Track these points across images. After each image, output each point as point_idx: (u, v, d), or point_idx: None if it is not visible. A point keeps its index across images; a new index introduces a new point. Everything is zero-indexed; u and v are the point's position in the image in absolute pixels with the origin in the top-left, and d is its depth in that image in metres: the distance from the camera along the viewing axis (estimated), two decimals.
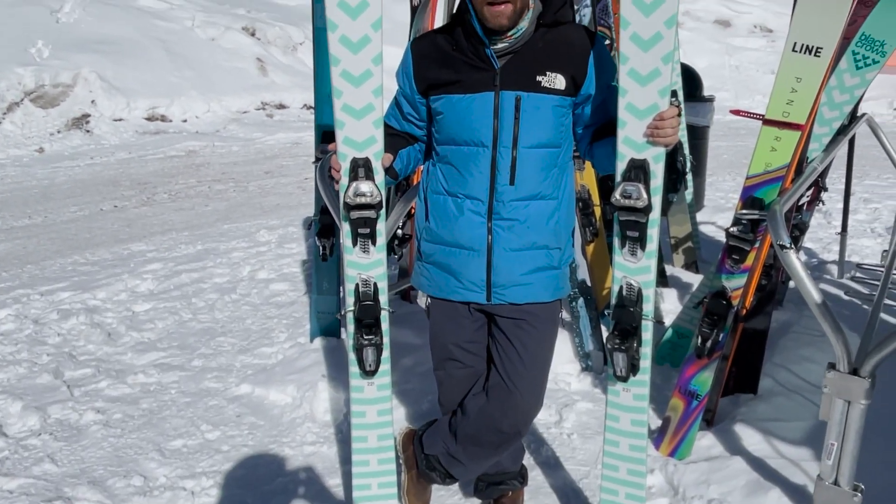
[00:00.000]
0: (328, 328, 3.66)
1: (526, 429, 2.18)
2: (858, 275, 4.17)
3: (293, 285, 4.64)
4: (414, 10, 3.69)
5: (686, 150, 4.41)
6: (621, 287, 2.02)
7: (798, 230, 3.46)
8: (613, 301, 2.04)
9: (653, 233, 1.97)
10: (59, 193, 7.16)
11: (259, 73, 11.99)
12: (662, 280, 4.19)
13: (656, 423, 2.84)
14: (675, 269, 4.43)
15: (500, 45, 1.94)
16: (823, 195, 3.75)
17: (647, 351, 2.04)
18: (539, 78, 1.94)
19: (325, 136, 3.32)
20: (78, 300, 4.38)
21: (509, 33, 1.93)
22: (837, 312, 3.35)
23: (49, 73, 10.20)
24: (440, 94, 2.02)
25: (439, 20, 3.92)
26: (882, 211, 6.12)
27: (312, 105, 12.48)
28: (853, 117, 3.60)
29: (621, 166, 1.94)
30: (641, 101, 1.89)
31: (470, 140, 1.99)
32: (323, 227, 3.46)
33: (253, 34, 12.94)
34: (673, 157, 4.35)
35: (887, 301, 3.55)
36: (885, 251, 4.42)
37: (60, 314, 4.15)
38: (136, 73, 10.78)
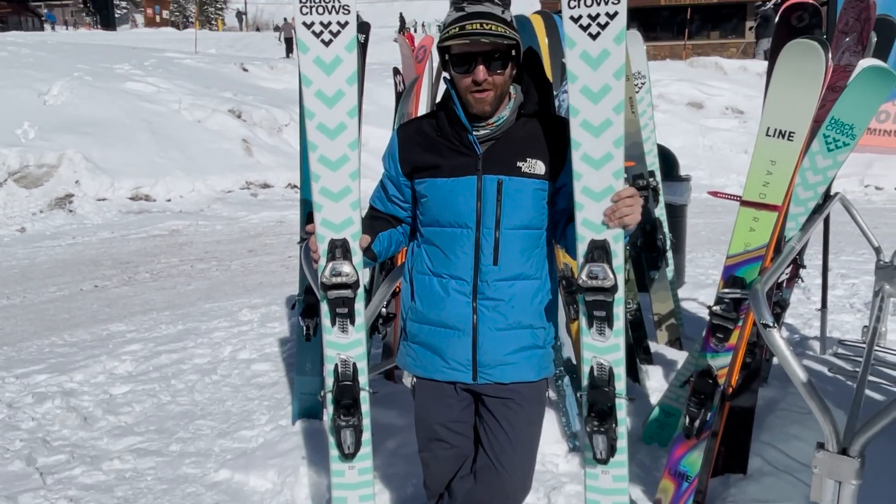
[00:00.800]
0: (311, 410, 3.60)
1: None
2: (841, 351, 4.19)
3: (275, 366, 4.57)
4: (399, 95, 3.79)
5: (665, 228, 4.48)
6: (592, 367, 2.04)
7: (779, 307, 3.49)
8: (585, 382, 2.05)
9: (619, 311, 2.00)
10: (38, 273, 7.10)
11: (244, 153, 12.15)
12: (647, 357, 4.18)
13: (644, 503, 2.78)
14: (658, 346, 4.43)
15: (482, 132, 2.01)
16: (802, 272, 3.81)
17: (622, 430, 2.03)
18: (520, 164, 2.00)
19: (311, 216, 3.35)
20: (54, 383, 4.28)
21: (491, 120, 2.00)
22: (822, 389, 3.34)
23: (34, 153, 10.27)
24: (424, 177, 2.06)
25: (423, 105, 4.03)
26: (860, 286, 6.21)
27: (296, 184, 12.58)
28: (827, 196, 3.70)
29: (582, 248, 1.98)
30: (596, 183, 1.93)
31: (454, 222, 2.03)
32: (307, 307, 3.45)
33: (239, 116, 13.18)
34: (653, 235, 4.42)
35: (871, 378, 3.56)
36: (865, 327, 4.46)
37: (35, 398, 4.04)
38: (121, 154, 10.89)
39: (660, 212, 4.45)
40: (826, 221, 4.28)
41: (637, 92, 4.29)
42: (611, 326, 2.01)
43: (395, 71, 3.88)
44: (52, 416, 3.86)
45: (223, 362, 4.67)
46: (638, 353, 4.17)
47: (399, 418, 3.49)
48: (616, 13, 1.83)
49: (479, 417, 2.15)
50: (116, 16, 55.97)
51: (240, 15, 56.29)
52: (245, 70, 17.77)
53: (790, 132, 2.27)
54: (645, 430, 3.45)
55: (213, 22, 61.35)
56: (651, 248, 4.44)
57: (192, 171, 11.16)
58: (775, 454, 3.13)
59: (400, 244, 2.27)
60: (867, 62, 2.71)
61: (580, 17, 1.85)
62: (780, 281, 3.58)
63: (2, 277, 6.93)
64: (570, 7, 1.85)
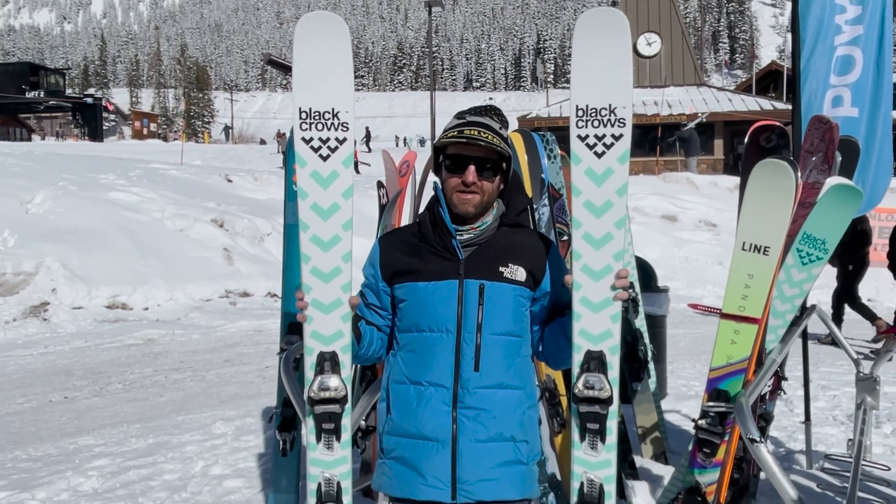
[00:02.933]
0: None
1: None
2: (828, 466, 4.13)
3: (249, 482, 4.40)
4: (382, 207, 3.86)
5: (646, 339, 4.49)
6: (582, 483, 1.99)
7: (764, 420, 3.46)
8: (574, 500, 1.99)
9: (612, 425, 1.98)
10: (6, 384, 6.89)
11: (225, 262, 12.17)
12: (632, 472, 4.09)
13: None
14: (644, 461, 4.34)
15: (465, 237, 2.05)
16: (784, 384, 3.80)
17: None
18: (501, 269, 2.03)
19: (292, 327, 3.33)
20: (15, 501, 4.07)
21: (475, 225, 2.05)
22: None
23: (12, 261, 10.21)
24: (404, 281, 2.07)
25: (406, 217, 4.11)
26: (841, 398, 6.19)
27: (276, 293, 12.53)
28: (804, 309, 3.75)
29: (578, 358, 1.98)
30: (595, 295, 1.97)
31: (434, 326, 2.01)
32: (284, 420, 3.36)
33: (221, 225, 13.30)
34: (634, 346, 4.43)
35: (861, 494, 3.49)
36: (850, 440, 4.42)
37: None
38: (100, 262, 10.85)
39: (640, 323, 4.48)
40: (804, 333, 4.33)
41: None
42: (603, 440, 1.98)
43: (380, 184, 3.98)
44: None
45: (194, 478, 4.48)
46: (623, 467, 4.07)
47: None
48: (621, 135, 1.93)
49: None
50: (105, 127, 57.32)
51: (227, 129, 58.03)
52: (229, 181, 18.08)
53: (765, 247, 2.33)
54: None
55: (199, 135, 62.96)
56: (633, 359, 4.44)
57: (172, 279, 11.12)
58: None
59: (379, 348, 2.22)
60: (834, 180, 2.82)
61: (587, 136, 1.96)
62: (762, 393, 3.57)
63: None
64: (577, 127, 1.95)
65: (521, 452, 2.02)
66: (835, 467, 4.01)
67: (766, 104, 28.76)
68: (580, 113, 1.96)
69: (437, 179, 2.13)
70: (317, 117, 2.04)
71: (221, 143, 51.31)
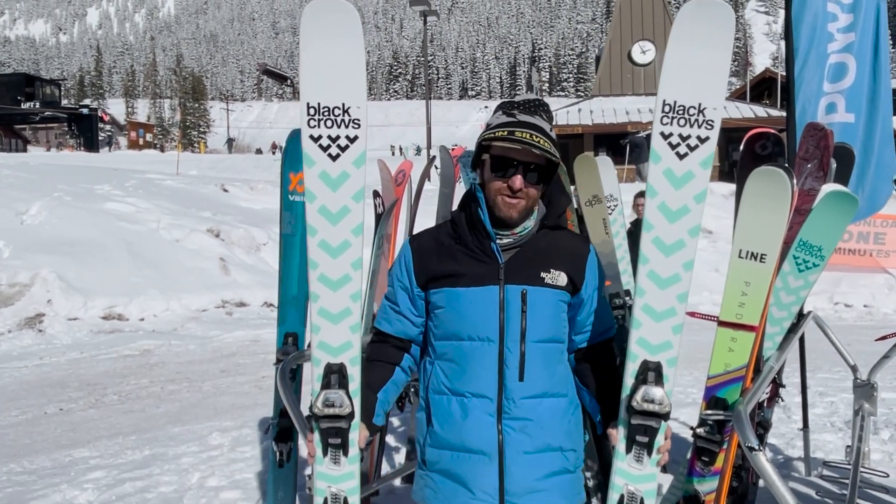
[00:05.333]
0: None
1: None
2: (826, 473, 4.12)
3: (246, 493, 4.37)
4: (378, 217, 3.85)
5: None
6: (622, 496, 1.91)
7: (762, 428, 3.45)
8: None
9: (661, 439, 1.90)
10: (1, 396, 6.85)
11: (221, 272, 12.14)
12: None
13: None
14: None
15: (504, 241, 1.96)
16: (781, 391, 3.80)
17: None
18: (543, 274, 1.95)
19: (287, 337, 3.32)
20: None
21: (516, 230, 1.96)
22: None
23: (7, 272, 10.17)
24: (441, 286, 1.98)
25: (402, 227, 4.10)
26: (838, 404, 6.19)
27: (272, 303, 12.44)
28: (801, 315, 3.75)
29: (633, 367, 1.89)
30: (660, 303, 1.89)
31: (474, 335, 1.93)
32: (281, 431, 3.34)
33: (217, 235, 13.27)
34: None
35: (860, 501, 3.49)
36: (848, 446, 4.41)
37: None
38: (96, 273, 10.82)
39: None
40: (801, 340, 4.32)
41: (610, 214, 4.40)
42: (650, 454, 1.89)
43: (375, 193, 3.97)
44: None
45: (190, 490, 4.46)
46: None
47: None
48: (707, 138, 1.82)
49: None
50: (101, 138, 57.29)
51: (230, 141, 58.14)
52: (225, 190, 18.07)
53: (762, 254, 2.33)
54: None
55: (195, 145, 62.99)
56: None
57: (168, 289, 11.09)
58: None
59: (400, 385, 2.12)
60: (829, 187, 2.82)
61: (670, 134, 1.84)
62: (760, 401, 3.56)
63: None
64: (662, 123, 1.83)
65: (569, 461, 1.98)
66: (833, 474, 4.01)
67: (760, 111, 28.89)
68: (666, 109, 1.83)
69: (475, 178, 2.03)
70: (326, 113, 1.87)
71: (218, 152, 51.34)
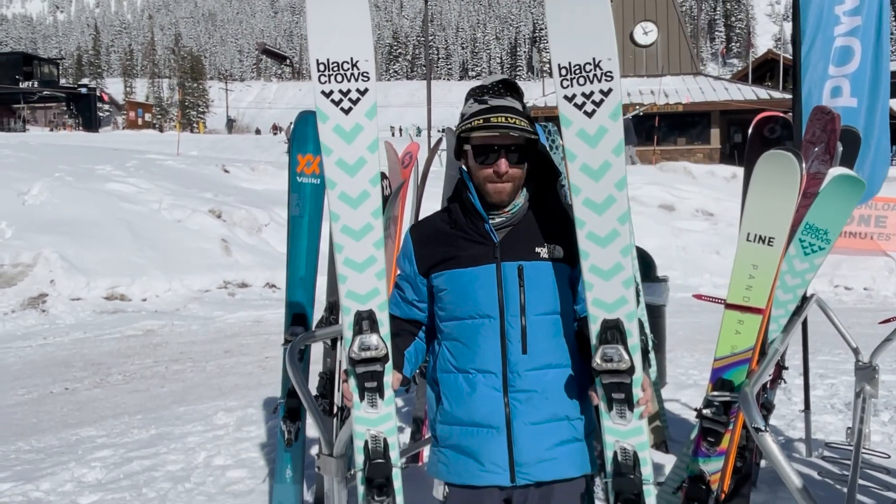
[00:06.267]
0: None
1: None
2: (827, 454, 4.17)
3: (252, 472, 4.42)
4: (385, 199, 3.86)
5: (647, 329, 4.51)
6: (615, 453, 1.94)
7: (766, 409, 3.49)
8: (609, 469, 1.95)
9: (638, 391, 1.92)
10: (6, 376, 6.89)
11: (223, 252, 12.16)
12: None
13: None
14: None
15: (497, 220, 2.01)
16: (784, 373, 3.83)
17: None
18: (538, 249, 1.99)
19: (295, 318, 3.34)
20: (19, 492, 4.08)
21: (506, 208, 2.01)
22: (814, 494, 3.29)
23: (9, 252, 10.19)
24: (441, 270, 2.04)
25: (409, 208, 4.12)
26: (839, 386, 6.23)
27: (275, 284, 12.47)
28: (804, 298, 3.78)
29: (594, 328, 1.91)
30: (604, 262, 1.88)
31: (475, 313, 1.99)
32: (289, 411, 3.37)
33: (219, 216, 13.28)
34: None
35: (861, 482, 3.53)
36: (849, 428, 4.46)
37: None
38: (98, 254, 10.83)
39: (640, 312, 4.49)
40: (804, 323, 4.35)
41: None
42: (631, 408, 1.91)
43: (382, 175, 3.97)
44: None
45: (197, 469, 4.51)
46: None
47: None
48: (610, 90, 1.80)
49: None
50: (99, 118, 57.04)
51: (230, 122, 57.94)
52: (226, 171, 18.04)
53: (770, 237, 2.34)
54: None
55: (194, 125, 62.73)
56: None
57: (170, 270, 11.11)
58: None
59: (421, 353, 2.21)
60: (836, 171, 2.83)
61: (574, 95, 1.82)
62: (763, 383, 3.60)
63: None
64: (562, 87, 1.83)
65: (577, 430, 2.02)
66: (834, 455, 4.05)
67: (762, 93, 28.78)
68: (563, 72, 1.82)
69: (462, 166, 2.07)
70: (335, 68, 1.91)
71: (217, 133, 51.16)
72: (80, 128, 49.46)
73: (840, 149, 3.51)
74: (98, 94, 60.92)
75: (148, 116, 64.87)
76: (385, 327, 2.03)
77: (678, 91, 28.50)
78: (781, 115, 2.90)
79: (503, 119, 1.92)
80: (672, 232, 14.87)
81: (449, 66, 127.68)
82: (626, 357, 1.87)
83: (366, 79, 1.93)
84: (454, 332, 2.04)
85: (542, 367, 1.98)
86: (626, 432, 1.94)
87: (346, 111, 1.94)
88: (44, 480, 4.25)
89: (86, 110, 55.26)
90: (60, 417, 5.67)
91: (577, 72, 1.82)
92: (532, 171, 2.07)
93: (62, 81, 68.94)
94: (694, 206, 16.23)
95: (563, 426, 1.99)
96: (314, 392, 3.43)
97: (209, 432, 5.21)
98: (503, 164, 1.94)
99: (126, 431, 5.29)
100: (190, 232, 12.38)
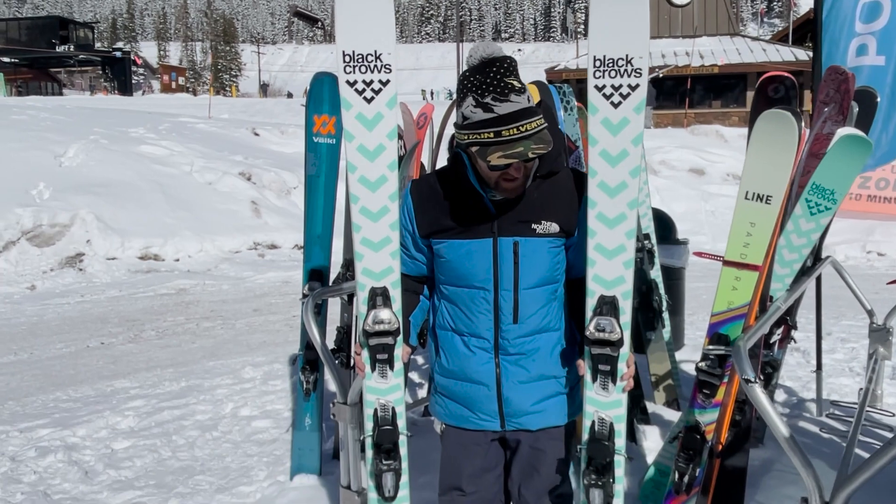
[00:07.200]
0: (308, 466, 3.63)
1: None
2: (835, 412, 4.22)
3: (276, 422, 4.61)
4: (400, 159, 3.94)
5: (661, 290, 4.57)
6: (593, 422, 2.08)
7: (771, 367, 3.54)
8: (586, 437, 2.09)
9: (623, 367, 2.04)
10: (46, 330, 7.19)
11: (253, 214, 12.37)
12: (644, 417, 4.22)
13: None
14: (656, 407, 4.47)
15: (497, 197, 2.06)
16: (797, 334, 3.87)
17: (619, 489, 2.07)
18: (534, 226, 2.05)
19: (313, 274, 3.47)
20: (57, 437, 4.33)
21: None
22: (817, 450, 3.38)
23: (48, 213, 10.50)
24: (442, 238, 2.12)
25: (425, 165, 4.19)
26: (859, 350, 6.22)
27: (303, 245, 12.69)
28: (817, 259, 3.80)
29: (591, 302, 2.04)
30: (609, 242, 2.02)
31: (471, 283, 2.10)
32: (307, 363, 3.52)
33: (249, 178, 13.47)
34: (649, 296, 4.51)
35: (864, 438, 3.58)
36: (860, 389, 4.49)
37: (38, 451, 4.09)
38: (132, 215, 11.11)
39: (655, 274, 4.54)
40: (818, 285, 4.37)
41: None
42: (614, 381, 2.05)
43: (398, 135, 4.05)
44: (53, 469, 3.90)
45: (224, 419, 4.72)
46: (635, 412, 4.20)
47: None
48: (637, 85, 1.94)
49: (510, 462, 2.23)
50: (133, 81, 57.56)
51: (264, 86, 58.09)
52: (256, 134, 18.21)
53: (768, 196, 2.39)
54: (641, 490, 3.46)
55: (227, 89, 63.04)
56: (647, 309, 4.53)
57: (201, 231, 11.36)
58: None
59: (425, 310, 2.33)
60: (844, 131, 2.84)
61: (604, 86, 1.96)
62: (771, 341, 3.64)
63: (10, 333, 7.03)
64: (594, 77, 1.95)
65: (562, 385, 2.16)
66: (841, 413, 4.10)
67: (801, 54, 27.94)
68: (597, 63, 1.94)
69: (456, 138, 2.06)
70: (360, 60, 2.06)
71: (250, 96, 51.37)
72: (116, 91, 50.04)
73: (855, 109, 3.50)
74: (132, 57, 61.40)
75: (181, 80, 65.34)
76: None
77: (714, 52, 27.85)
78: (788, 74, 2.90)
79: (514, 131, 1.85)
80: (702, 196, 14.72)
81: (482, 28, 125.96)
82: (618, 329, 2.00)
83: (388, 71, 2.07)
84: (452, 296, 2.16)
85: (532, 333, 2.10)
86: (606, 404, 2.09)
87: (369, 101, 2.08)
88: (80, 427, 4.49)
89: (120, 74, 55.81)
90: (96, 370, 5.93)
91: (611, 65, 1.95)
92: None
93: (97, 45, 69.57)
94: (724, 170, 16.01)
95: (549, 383, 2.14)
96: (331, 346, 3.56)
97: (236, 385, 5.42)
98: (514, 168, 1.95)
99: (158, 383, 5.52)
100: (220, 194, 12.60)
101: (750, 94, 28.31)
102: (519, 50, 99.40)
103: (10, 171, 11.21)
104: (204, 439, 4.37)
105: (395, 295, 2.17)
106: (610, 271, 2.03)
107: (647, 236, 4.52)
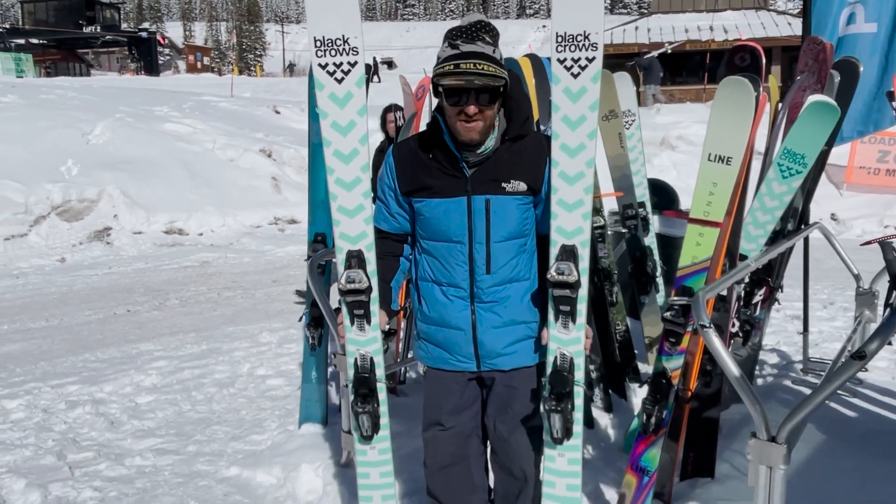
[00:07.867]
0: (315, 415, 3.90)
1: (530, 472, 2.44)
2: (812, 368, 4.42)
3: (289, 381, 4.90)
4: (398, 129, 4.16)
5: (656, 256, 4.75)
6: (556, 357, 2.30)
7: (749, 325, 3.72)
8: (549, 370, 2.32)
9: (581, 308, 2.27)
10: (75, 299, 7.56)
11: (273, 190, 12.67)
12: (636, 377, 4.42)
13: (614, 499, 3.02)
14: (648, 367, 4.66)
15: (470, 158, 2.29)
16: (779, 295, 4.04)
17: (578, 416, 2.29)
18: (504, 185, 2.30)
19: (317, 236, 3.71)
20: (85, 393, 4.65)
21: (478, 150, 2.28)
22: (790, 401, 3.57)
23: (76, 189, 10.88)
24: (421, 197, 2.36)
25: None
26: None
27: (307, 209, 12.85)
28: (800, 222, 3.95)
29: (554, 251, 2.27)
30: (570, 197, 2.24)
31: (449, 238, 2.34)
32: (313, 319, 3.77)
33: (269, 155, 13.76)
34: (643, 262, 4.69)
35: (841, 392, 3.75)
36: (848, 350, 4.64)
37: (68, 405, 4.41)
38: (157, 190, 11.46)
39: (650, 240, 4.72)
40: (806, 249, 4.53)
41: (627, 129, 4.61)
42: (574, 321, 2.28)
43: (396, 107, 4.26)
44: (82, 420, 4.22)
45: (241, 377, 5.01)
46: (627, 372, 4.41)
47: (398, 426, 3.77)
48: (594, 58, 2.16)
49: (486, 399, 2.47)
50: (160, 62, 58.04)
51: (291, 66, 58.22)
52: (277, 112, 18.48)
53: (728, 157, 2.57)
54: (626, 440, 3.69)
55: (252, 68, 63.39)
56: (641, 274, 4.71)
57: (224, 206, 11.68)
58: (742, 461, 3.33)
59: (406, 271, 2.56)
60: (814, 97, 3.00)
61: (565, 59, 2.17)
62: (753, 301, 3.82)
63: (42, 302, 7.40)
64: (557, 52, 2.17)
65: (532, 329, 2.40)
66: (817, 369, 4.30)
67: None
68: (559, 39, 2.16)
69: (435, 104, 2.32)
70: (329, 44, 2.28)
71: (275, 76, 51.57)
72: (142, 72, 50.59)
73: (836, 78, 3.63)
74: (158, 38, 61.86)
75: (206, 60, 65.74)
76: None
77: (738, 26, 27.49)
78: (754, 45, 3.06)
79: (471, 65, 2.10)
80: None
81: (506, 4, 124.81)
82: (576, 273, 2.22)
83: (355, 53, 2.32)
84: (431, 249, 2.40)
85: (503, 282, 2.34)
86: (566, 341, 2.31)
87: (339, 81, 2.32)
88: (107, 384, 4.81)
89: (147, 54, 56.26)
90: (122, 334, 6.26)
91: (571, 41, 2.16)
92: (506, 109, 2.31)
93: (123, 26, 70.15)
94: None
95: (520, 328, 2.38)
96: (335, 305, 3.81)
97: (254, 348, 5.72)
98: (472, 107, 2.17)
99: (180, 346, 5.84)
100: (242, 170, 12.91)
101: (775, 69, 27.93)
102: (543, 27, 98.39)
103: (40, 148, 11.61)
104: (221, 395, 4.66)
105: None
106: (570, 223, 2.25)
107: (641, 204, 4.69)
